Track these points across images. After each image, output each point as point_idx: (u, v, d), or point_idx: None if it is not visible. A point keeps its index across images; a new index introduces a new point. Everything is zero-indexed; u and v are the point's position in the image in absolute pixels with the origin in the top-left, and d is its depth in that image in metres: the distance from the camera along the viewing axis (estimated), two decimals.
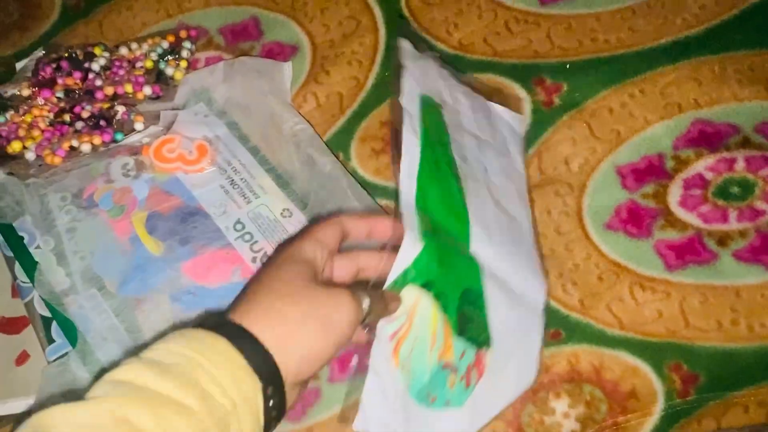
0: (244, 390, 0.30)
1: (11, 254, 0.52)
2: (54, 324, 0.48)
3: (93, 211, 0.54)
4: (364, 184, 0.56)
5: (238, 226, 0.53)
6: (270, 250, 0.52)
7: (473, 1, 0.61)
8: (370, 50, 0.60)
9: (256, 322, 0.32)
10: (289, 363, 0.32)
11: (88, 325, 0.48)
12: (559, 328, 0.47)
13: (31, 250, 0.51)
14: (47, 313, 0.48)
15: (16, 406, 0.47)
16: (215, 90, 0.59)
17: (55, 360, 0.47)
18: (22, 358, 0.48)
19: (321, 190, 0.54)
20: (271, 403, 0.31)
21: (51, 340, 0.47)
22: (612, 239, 0.50)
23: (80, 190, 0.55)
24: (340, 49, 0.61)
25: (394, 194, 0.55)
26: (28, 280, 0.50)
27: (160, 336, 0.33)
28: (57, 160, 0.55)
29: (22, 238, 0.52)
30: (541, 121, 0.56)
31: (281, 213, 0.54)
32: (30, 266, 0.50)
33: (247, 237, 0.53)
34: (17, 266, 0.51)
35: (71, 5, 0.67)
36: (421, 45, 0.52)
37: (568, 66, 0.57)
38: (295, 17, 0.62)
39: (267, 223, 0.54)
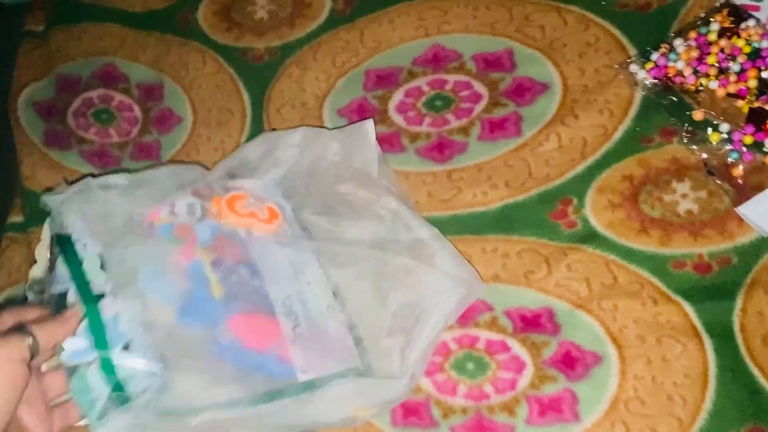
0: None
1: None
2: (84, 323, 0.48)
3: (150, 234, 0.54)
4: (591, 237, 0.56)
5: (287, 302, 0.53)
6: (308, 338, 0.51)
7: None
8: (625, 102, 0.60)
9: None
10: None
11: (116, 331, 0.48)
12: None
13: (77, 247, 0.52)
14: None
15: None
16: (285, 157, 0.60)
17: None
18: None
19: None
20: None
21: None
22: None
23: (142, 214, 0.55)
24: (592, 95, 0.60)
25: (617, 248, 0.55)
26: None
27: None
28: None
29: (69, 236, 0.53)
30: None
31: (326, 307, 0.54)
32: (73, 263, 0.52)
33: (293, 317, 0.52)
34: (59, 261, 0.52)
35: (338, 10, 0.72)
36: None
37: None
38: (551, 56, 0.63)
39: (312, 311, 0.53)
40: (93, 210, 0.55)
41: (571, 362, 0.53)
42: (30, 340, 0.42)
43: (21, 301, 0.55)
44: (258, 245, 0.55)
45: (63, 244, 0.53)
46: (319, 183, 0.60)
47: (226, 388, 0.49)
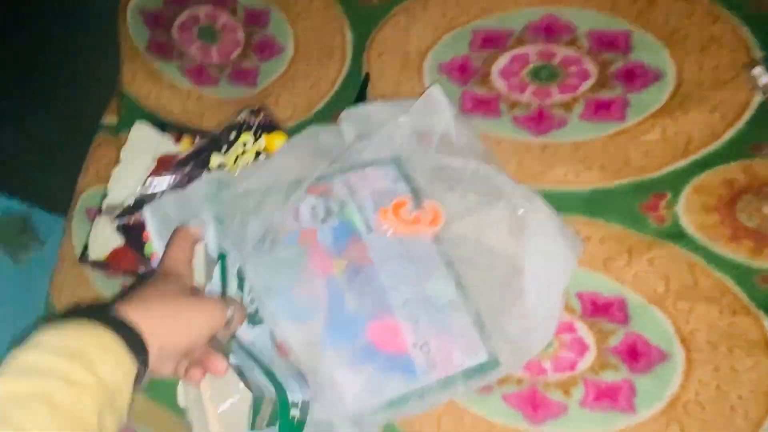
0: (124, 369, 0.41)
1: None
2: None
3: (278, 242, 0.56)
4: (679, 235, 0.55)
5: (407, 306, 0.53)
6: (432, 342, 0.52)
7: None
8: (740, 106, 0.57)
9: (135, 314, 0.44)
10: (155, 343, 0.43)
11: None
12: None
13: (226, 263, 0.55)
14: None
15: None
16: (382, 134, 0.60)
17: None
18: None
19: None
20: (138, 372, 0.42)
21: None
22: None
23: (273, 226, 0.56)
24: (707, 92, 0.58)
25: (704, 251, 0.54)
26: (219, 288, 0.55)
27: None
28: None
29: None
30: None
31: (449, 302, 0.54)
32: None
33: (413, 320, 0.53)
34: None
35: None
36: None
37: None
38: (671, 45, 0.61)
39: (434, 310, 0.53)
40: (230, 216, 0.57)
41: (635, 354, 0.53)
42: (231, 311, 0.49)
43: None
44: (378, 244, 0.56)
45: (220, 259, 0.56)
46: (417, 157, 0.60)
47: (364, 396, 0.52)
